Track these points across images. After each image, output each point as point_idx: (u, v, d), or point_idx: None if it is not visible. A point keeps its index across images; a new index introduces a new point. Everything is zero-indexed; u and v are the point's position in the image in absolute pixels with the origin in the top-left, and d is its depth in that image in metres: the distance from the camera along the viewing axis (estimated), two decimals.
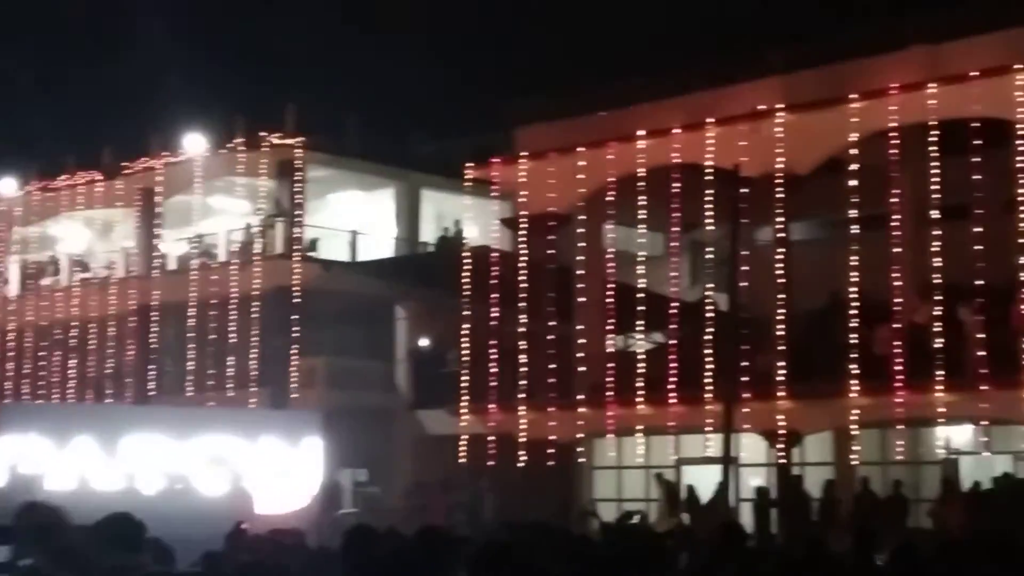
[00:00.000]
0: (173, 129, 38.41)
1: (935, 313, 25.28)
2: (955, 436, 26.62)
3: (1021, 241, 24.53)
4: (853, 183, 26.11)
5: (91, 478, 22.15)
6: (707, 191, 27.88)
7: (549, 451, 29.08)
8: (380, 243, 38.81)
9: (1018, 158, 24.69)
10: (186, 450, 23.15)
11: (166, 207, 39.09)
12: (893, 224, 26.09)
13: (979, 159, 24.69)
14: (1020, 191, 24.73)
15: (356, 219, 39.21)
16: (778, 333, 26.85)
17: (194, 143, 37.98)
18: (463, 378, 31.15)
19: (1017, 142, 24.65)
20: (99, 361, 39.35)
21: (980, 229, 24.80)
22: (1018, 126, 24.60)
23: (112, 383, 38.38)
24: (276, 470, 23.90)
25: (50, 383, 39.81)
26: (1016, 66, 24.56)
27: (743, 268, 26.10)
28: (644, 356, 29.32)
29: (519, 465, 29.37)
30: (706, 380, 27.14)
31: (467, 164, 32.05)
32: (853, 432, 26.23)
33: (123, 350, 38.70)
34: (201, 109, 38.40)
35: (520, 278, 30.47)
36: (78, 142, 42.21)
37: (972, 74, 24.81)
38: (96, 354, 39.45)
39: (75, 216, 41.66)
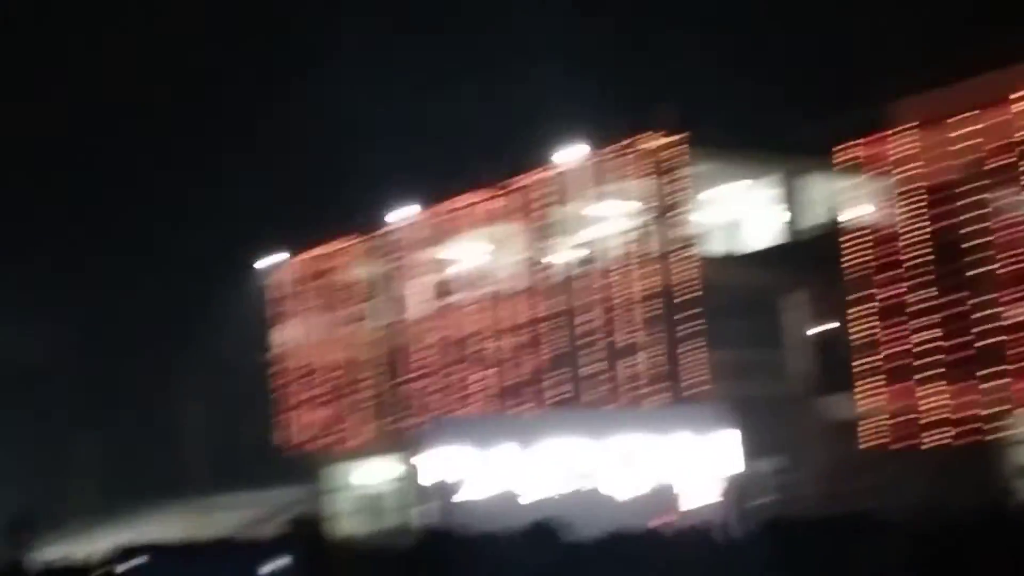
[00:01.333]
0: (552, 140, 39.57)
1: None
2: None
3: None
4: None
5: (511, 484, 23.22)
6: None
7: (960, 429, 28.45)
8: (764, 231, 38.86)
9: None
10: (601, 450, 23.91)
11: (552, 217, 40.34)
12: None
13: None
14: None
15: (738, 209, 39.39)
16: None
17: (574, 152, 39.03)
18: (862, 361, 30.86)
19: None
20: (505, 371, 41.01)
21: None
22: None
23: (522, 391, 39.93)
24: (690, 465, 24.42)
25: (464, 395, 41.77)
26: None
27: None
28: None
29: (928, 445, 28.85)
30: None
31: (843, 143, 31.77)
32: None
33: (526, 359, 40.21)
34: (576, 118, 39.39)
35: (906, 253, 29.98)
36: (463, 163, 43.94)
37: None
38: (502, 364, 41.13)
39: (469, 234, 43.49)
